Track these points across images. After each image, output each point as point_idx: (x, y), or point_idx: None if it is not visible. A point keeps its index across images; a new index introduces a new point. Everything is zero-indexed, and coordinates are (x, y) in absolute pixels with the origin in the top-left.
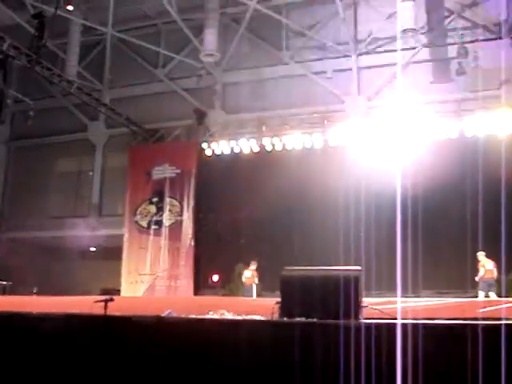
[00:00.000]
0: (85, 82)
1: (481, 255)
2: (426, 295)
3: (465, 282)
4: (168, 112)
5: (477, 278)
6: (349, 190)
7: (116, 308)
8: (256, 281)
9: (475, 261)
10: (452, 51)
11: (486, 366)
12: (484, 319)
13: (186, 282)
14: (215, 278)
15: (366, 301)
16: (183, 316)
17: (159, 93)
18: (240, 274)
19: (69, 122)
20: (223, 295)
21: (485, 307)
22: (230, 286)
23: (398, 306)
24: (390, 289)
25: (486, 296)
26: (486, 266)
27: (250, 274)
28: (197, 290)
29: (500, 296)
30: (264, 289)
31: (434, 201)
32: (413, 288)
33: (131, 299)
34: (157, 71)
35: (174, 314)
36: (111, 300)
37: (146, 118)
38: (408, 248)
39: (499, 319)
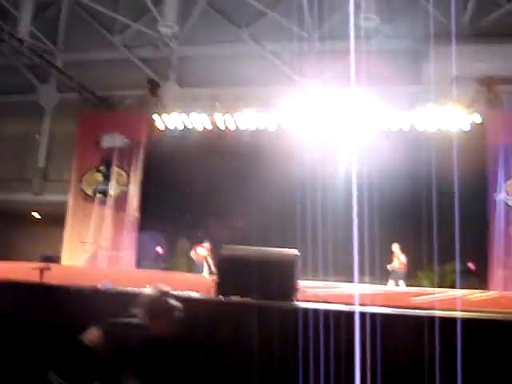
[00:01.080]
0: (37, 42)
1: (395, 247)
2: (366, 280)
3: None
4: (121, 80)
5: (389, 267)
6: (303, 173)
7: (52, 277)
8: (210, 260)
9: (391, 252)
10: (408, 44)
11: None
12: (415, 308)
13: (129, 253)
14: (159, 249)
15: (302, 284)
16: (120, 288)
17: (113, 60)
18: (184, 250)
19: (18, 83)
20: (165, 269)
21: (417, 296)
22: (173, 260)
23: (333, 291)
24: (346, 275)
25: (396, 285)
26: (401, 259)
27: (204, 252)
28: (139, 262)
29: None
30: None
31: (387, 189)
32: (369, 274)
33: (68, 268)
34: (113, 38)
35: (110, 286)
36: (48, 268)
37: (98, 84)
38: (364, 234)
39: (431, 309)
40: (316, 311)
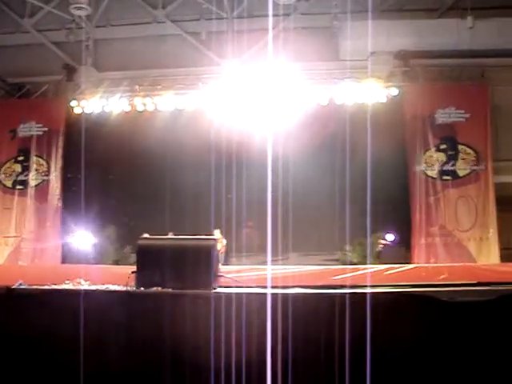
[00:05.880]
0: None
1: (217, 233)
2: (294, 257)
3: (332, 245)
4: (35, 66)
5: None
6: (221, 153)
7: None
8: None
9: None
10: (326, 20)
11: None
12: (332, 287)
13: (54, 245)
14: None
15: (222, 270)
16: (35, 287)
17: (25, 45)
18: (110, 238)
19: None
20: (93, 261)
21: (336, 275)
22: (101, 250)
23: (254, 274)
24: (261, 251)
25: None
26: (223, 242)
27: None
28: (65, 255)
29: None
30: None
31: (303, 164)
32: (282, 250)
33: None
34: (23, 21)
35: (25, 285)
36: None
37: (11, 71)
38: (278, 211)
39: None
40: (228, 296)
